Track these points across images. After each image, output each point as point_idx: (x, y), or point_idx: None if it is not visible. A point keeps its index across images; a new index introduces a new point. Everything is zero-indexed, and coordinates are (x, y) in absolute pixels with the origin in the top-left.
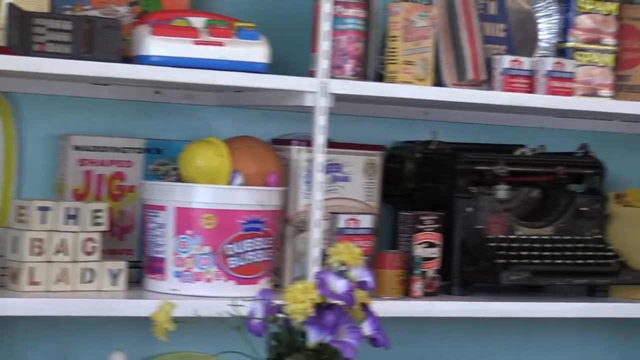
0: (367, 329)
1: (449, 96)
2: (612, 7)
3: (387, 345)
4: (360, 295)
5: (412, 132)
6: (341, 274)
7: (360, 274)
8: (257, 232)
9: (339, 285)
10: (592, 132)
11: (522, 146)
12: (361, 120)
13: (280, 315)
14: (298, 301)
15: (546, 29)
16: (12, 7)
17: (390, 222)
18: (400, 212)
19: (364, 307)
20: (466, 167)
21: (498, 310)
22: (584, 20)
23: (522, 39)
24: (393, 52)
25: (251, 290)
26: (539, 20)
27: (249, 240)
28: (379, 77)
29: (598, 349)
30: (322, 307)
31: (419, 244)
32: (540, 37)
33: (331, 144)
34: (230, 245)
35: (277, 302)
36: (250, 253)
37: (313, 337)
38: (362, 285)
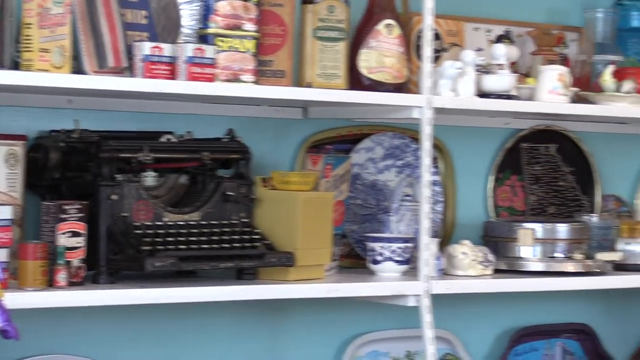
0: None
1: (89, 84)
2: None
3: (17, 337)
4: None
5: (58, 121)
6: None
7: None
8: None
9: None
10: (242, 117)
11: (169, 133)
12: (3, 110)
13: None
14: None
15: (189, 15)
16: None
17: (38, 212)
18: (42, 202)
19: None
20: (110, 154)
21: (145, 297)
22: (224, 6)
23: (165, 25)
24: (28, 39)
25: None
26: (181, 7)
27: None
28: (16, 66)
29: (248, 331)
30: None
31: (63, 233)
32: (183, 23)
33: None
34: None
35: None
36: None
37: None
38: None
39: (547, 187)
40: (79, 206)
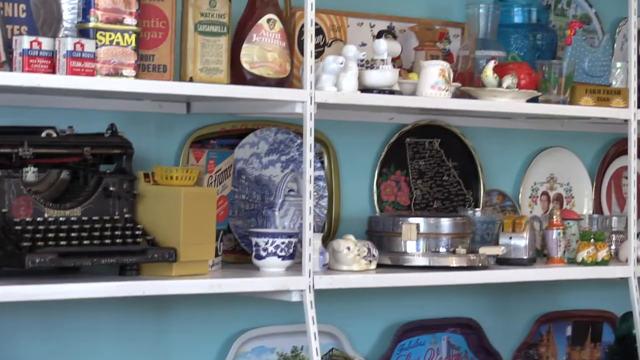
0: None
1: None
2: None
3: None
4: None
5: None
6: None
7: None
8: None
9: None
10: (125, 112)
11: (50, 128)
12: None
13: None
14: None
15: (69, 9)
16: None
17: None
18: None
19: None
20: None
21: (24, 293)
22: (104, 0)
23: (45, 19)
24: None
25: None
26: (61, 0)
27: None
28: None
29: (133, 326)
30: None
31: None
32: (63, 17)
33: None
34: None
35: None
36: None
37: None
38: None
39: (431, 182)
40: None
